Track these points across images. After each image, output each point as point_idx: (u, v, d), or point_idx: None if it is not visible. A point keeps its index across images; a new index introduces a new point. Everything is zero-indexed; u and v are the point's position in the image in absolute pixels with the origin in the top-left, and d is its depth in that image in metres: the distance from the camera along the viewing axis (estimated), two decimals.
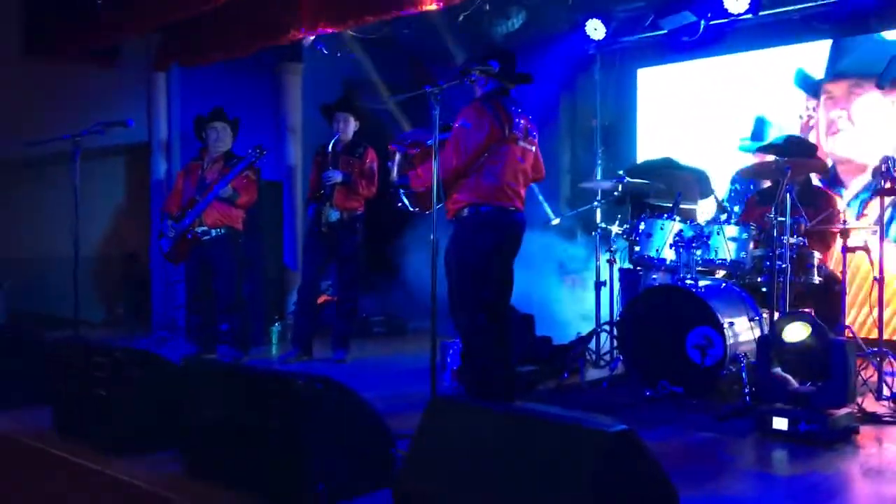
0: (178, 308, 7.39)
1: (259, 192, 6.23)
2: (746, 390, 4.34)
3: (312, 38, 7.30)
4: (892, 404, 4.37)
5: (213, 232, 5.91)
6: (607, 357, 5.64)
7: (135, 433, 3.61)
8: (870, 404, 4.30)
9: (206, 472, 3.29)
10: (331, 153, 6.02)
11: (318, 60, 8.16)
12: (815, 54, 6.64)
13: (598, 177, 6.67)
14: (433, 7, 6.00)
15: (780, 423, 3.83)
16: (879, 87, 2.27)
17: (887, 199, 4.79)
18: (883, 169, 4.38)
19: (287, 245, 8.06)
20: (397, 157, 4.50)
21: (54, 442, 3.86)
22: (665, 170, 6.71)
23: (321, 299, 7.33)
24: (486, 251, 4.16)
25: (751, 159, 6.50)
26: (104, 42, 7.36)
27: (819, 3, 6.17)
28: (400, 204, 4.52)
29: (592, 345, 5.74)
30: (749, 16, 6.38)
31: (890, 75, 2.27)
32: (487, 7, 6.93)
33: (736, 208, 5.63)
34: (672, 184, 6.05)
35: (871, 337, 5.01)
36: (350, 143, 6.09)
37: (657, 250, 4.98)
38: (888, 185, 4.40)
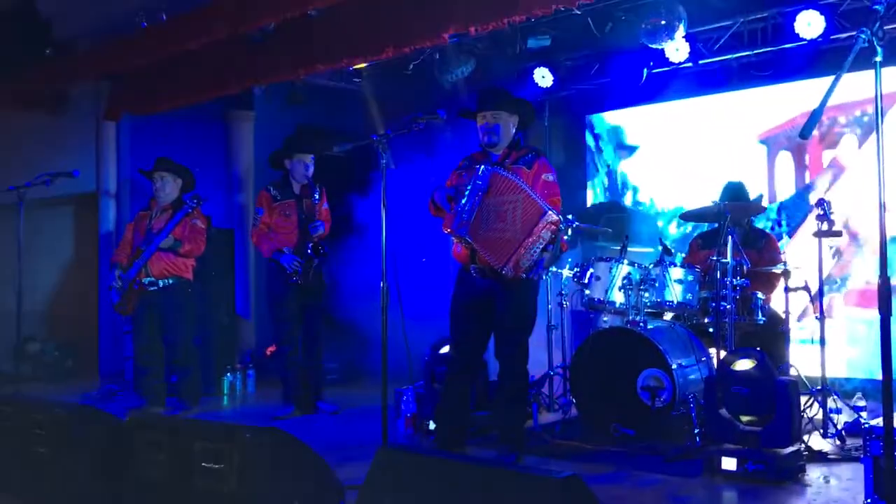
0: (127, 359, 7.25)
1: (209, 240, 6.15)
2: (696, 431, 4.39)
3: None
4: (837, 441, 4.46)
5: (161, 282, 5.82)
6: (561, 401, 5.66)
7: (76, 491, 3.51)
8: (816, 442, 4.37)
9: None
10: (299, 199, 5.85)
11: (269, 108, 8.20)
12: (753, 100, 6.88)
13: None
14: (384, 56, 6.11)
15: (728, 464, 3.88)
16: (802, 137, 2.37)
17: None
18: (820, 212, 4.52)
19: (239, 293, 7.98)
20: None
21: None
22: (613, 213, 6.85)
23: (269, 350, 7.21)
24: None
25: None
26: (52, 90, 7.31)
27: (755, 51, 6.41)
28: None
29: (546, 388, 5.76)
30: (689, 64, 6.62)
31: (811, 126, 2.37)
32: (437, 56, 7.05)
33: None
34: (620, 227, 6.18)
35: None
36: (309, 185, 5.90)
37: (606, 293, 5.04)
38: (825, 227, 4.53)
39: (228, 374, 7.12)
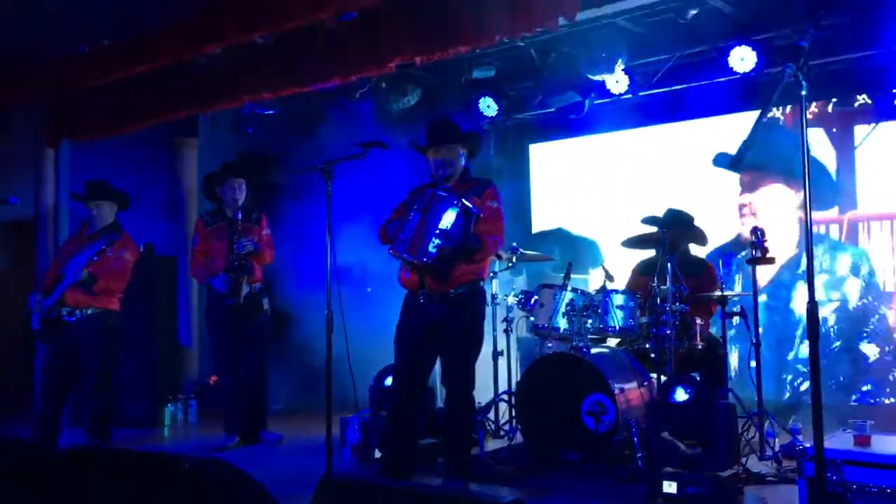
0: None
1: (149, 268, 5.98)
2: (639, 455, 4.45)
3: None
4: (774, 463, 4.57)
5: (78, 313, 5.45)
6: (507, 427, 5.69)
7: None
8: (754, 464, 4.47)
9: None
10: (231, 221, 5.73)
11: (214, 135, 8.15)
12: (691, 131, 7.10)
13: None
14: (331, 84, 6.14)
15: (669, 487, 3.94)
16: (733, 169, 2.48)
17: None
18: (753, 239, 4.66)
19: (181, 322, 7.85)
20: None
21: None
22: (557, 240, 6.96)
23: (212, 379, 7.08)
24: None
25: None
26: None
27: (691, 84, 6.63)
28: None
29: (492, 414, 5.79)
30: (629, 96, 6.80)
31: (739, 158, 2.48)
32: (384, 85, 7.11)
33: None
34: (564, 253, 6.27)
35: None
36: (245, 209, 5.81)
37: (551, 319, 5.10)
38: (758, 253, 4.68)
39: (170, 405, 6.98)
